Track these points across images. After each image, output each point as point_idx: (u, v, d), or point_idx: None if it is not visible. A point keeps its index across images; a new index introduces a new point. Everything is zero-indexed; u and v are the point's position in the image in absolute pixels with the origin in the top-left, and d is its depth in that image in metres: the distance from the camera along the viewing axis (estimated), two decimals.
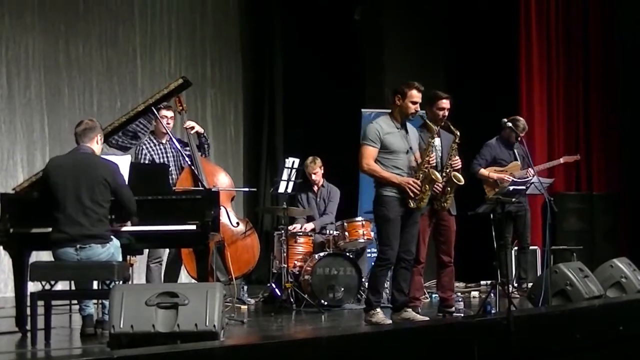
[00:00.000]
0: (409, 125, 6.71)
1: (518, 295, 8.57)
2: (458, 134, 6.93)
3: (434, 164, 6.71)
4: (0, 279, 9.34)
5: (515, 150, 8.46)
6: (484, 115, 10.10)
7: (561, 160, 9.29)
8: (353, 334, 5.26)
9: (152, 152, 7.62)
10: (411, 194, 6.48)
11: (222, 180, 8.01)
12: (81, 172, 6.10)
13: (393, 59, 11.33)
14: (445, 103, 7.02)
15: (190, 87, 7.31)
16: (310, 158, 9.02)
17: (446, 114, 7.02)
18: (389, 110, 6.76)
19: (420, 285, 7.23)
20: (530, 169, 8.57)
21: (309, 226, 8.84)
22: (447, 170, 6.91)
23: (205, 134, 7.87)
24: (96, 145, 6.31)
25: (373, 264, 6.92)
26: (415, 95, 6.60)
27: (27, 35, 9.83)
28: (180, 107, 7.66)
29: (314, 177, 8.99)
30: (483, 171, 8.79)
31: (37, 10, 9.94)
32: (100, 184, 6.06)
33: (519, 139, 8.65)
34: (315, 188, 9.07)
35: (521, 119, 8.98)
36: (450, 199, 6.96)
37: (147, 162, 7.56)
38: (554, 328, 5.93)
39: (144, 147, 7.60)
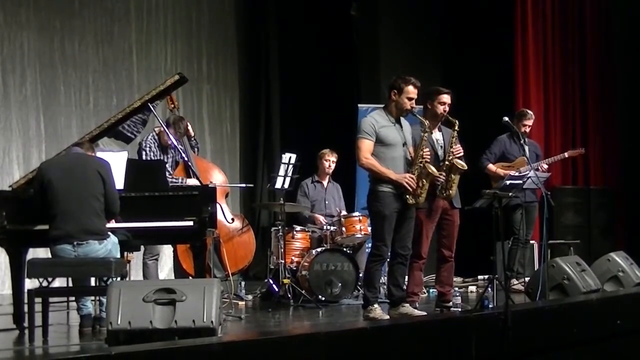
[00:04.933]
0: (403, 120, 6.71)
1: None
2: (457, 122, 6.92)
3: (429, 159, 6.69)
4: None
5: (526, 146, 8.46)
6: (480, 110, 10.12)
7: (566, 154, 9.26)
8: (351, 329, 5.25)
9: (157, 151, 7.66)
10: (409, 189, 6.49)
11: (216, 178, 8.07)
12: (74, 167, 6.15)
13: (389, 55, 11.33)
14: (447, 98, 7.00)
15: (187, 83, 7.34)
16: (328, 149, 9.08)
17: (447, 109, 6.99)
18: (383, 105, 6.77)
19: (419, 281, 7.21)
20: (541, 163, 8.64)
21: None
22: (449, 158, 6.90)
23: (195, 138, 8.14)
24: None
25: (367, 259, 6.92)
26: (412, 91, 6.59)
27: (22, 32, 9.81)
28: (172, 105, 7.73)
29: (327, 167, 9.00)
30: (491, 166, 8.79)
31: (32, 7, 9.92)
32: (93, 176, 6.09)
33: (525, 131, 8.67)
34: (325, 183, 9.08)
35: (528, 111, 9.02)
36: (455, 187, 6.92)
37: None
38: (552, 322, 5.93)
39: (151, 144, 7.64)
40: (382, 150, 6.56)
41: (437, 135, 7.02)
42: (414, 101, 6.62)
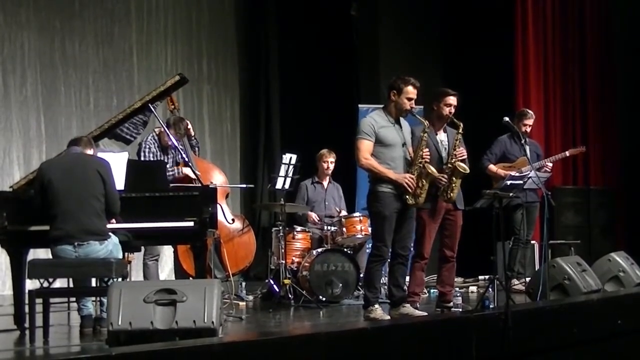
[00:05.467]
0: (402, 121, 6.71)
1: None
2: (462, 125, 6.92)
3: (428, 159, 6.69)
4: None
5: (527, 146, 8.46)
6: (480, 111, 10.11)
7: (567, 153, 9.25)
8: (351, 329, 5.25)
9: (157, 151, 7.67)
10: (408, 189, 6.49)
11: (217, 178, 8.07)
12: (74, 167, 6.14)
13: (389, 55, 11.33)
14: (453, 100, 6.99)
15: (187, 83, 7.33)
16: (326, 150, 9.06)
17: (452, 110, 6.98)
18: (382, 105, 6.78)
19: (421, 281, 7.22)
20: (546, 162, 8.65)
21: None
22: (452, 161, 6.90)
23: (195, 137, 8.13)
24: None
25: (367, 260, 6.93)
26: (411, 91, 6.58)
27: (22, 33, 9.82)
28: (172, 106, 7.74)
29: (325, 168, 9.01)
30: (491, 167, 8.78)
31: (32, 8, 9.92)
32: (93, 176, 6.09)
33: (525, 131, 8.68)
34: (325, 184, 9.09)
35: (529, 111, 9.00)
36: (457, 189, 6.92)
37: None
38: (552, 322, 5.93)
39: (150, 145, 7.65)
40: (381, 150, 6.56)
41: (441, 136, 7.02)
42: (413, 101, 6.62)
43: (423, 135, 6.67)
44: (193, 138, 8.04)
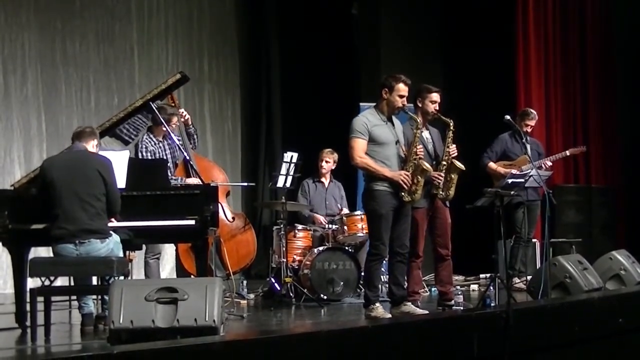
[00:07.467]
0: (394, 119, 6.72)
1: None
2: (451, 122, 6.94)
3: (422, 156, 6.70)
4: (0, 275, 9.34)
5: (528, 145, 8.45)
6: (482, 109, 10.12)
7: (567, 152, 9.23)
8: (352, 328, 5.25)
9: (154, 149, 7.64)
10: (404, 186, 6.49)
11: (217, 177, 8.05)
12: (75, 167, 6.13)
13: (390, 54, 11.33)
14: (436, 97, 7.06)
15: (188, 82, 7.32)
16: (327, 149, 9.06)
17: (437, 107, 7.03)
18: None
19: (419, 279, 7.24)
20: (545, 161, 8.64)
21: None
22: (446, 158, 6.92)
23: (193, 125, 7.93)
24: (91, 148, 6.34)
25: (366, 259, 6.93)
26: (402, 88, 6.60)
27: (23, 32, 9.82)
28: (173, 104, 7.70)
29: (325, 167, 9.00)
30: (492, 165, 8.76)
31: (33, 7, 9.93)
32: (94, 176, 6.09)
33: (527, 131, 8.67)
34: (326, 182, 9.08)
35: (532, 111, 8.99)
36: (453, 187, 6.94)
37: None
38: (553, 321, 5.92)
39: (146, 143, 7.61)
40: (375, 149, 6.57)
41: (425, 134, 7.06)
42: (405, 99, 6.63)
43: (416, 132, 6.69)
44: (191, 126, 7.90)
